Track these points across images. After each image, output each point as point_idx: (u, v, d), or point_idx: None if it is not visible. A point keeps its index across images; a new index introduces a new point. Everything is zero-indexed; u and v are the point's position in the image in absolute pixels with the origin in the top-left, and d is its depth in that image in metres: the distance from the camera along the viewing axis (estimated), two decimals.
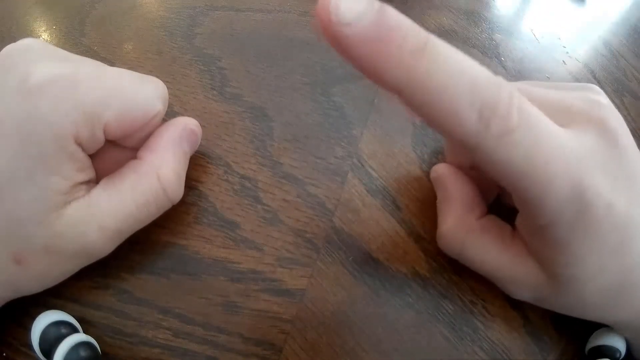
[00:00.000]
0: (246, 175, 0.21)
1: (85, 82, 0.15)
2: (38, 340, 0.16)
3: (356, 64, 0.11)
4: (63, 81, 0.14)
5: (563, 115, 0.14)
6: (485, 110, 0.12)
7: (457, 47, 0.12)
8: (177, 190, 0.18)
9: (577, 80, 0.28)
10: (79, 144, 0.15)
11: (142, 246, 0.19)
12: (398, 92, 0.12)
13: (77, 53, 0.17)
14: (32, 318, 0.17)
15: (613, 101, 0.16)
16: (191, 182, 0.20)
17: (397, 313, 0.19)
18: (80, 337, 0.16)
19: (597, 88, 0.17)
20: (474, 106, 0.11)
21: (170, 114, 0.22)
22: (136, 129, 0.17)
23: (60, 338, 0.16)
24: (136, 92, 0.16)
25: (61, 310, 0.17)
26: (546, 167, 0.12)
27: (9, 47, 0.15)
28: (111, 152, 0.17)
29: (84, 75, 0.15)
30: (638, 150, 0.15)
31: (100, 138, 0.16)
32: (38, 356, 0.16)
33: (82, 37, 0.25)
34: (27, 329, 0.17)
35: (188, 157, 0.19)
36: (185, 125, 0.18)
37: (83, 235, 0.15)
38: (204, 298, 0.18)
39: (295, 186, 0.21)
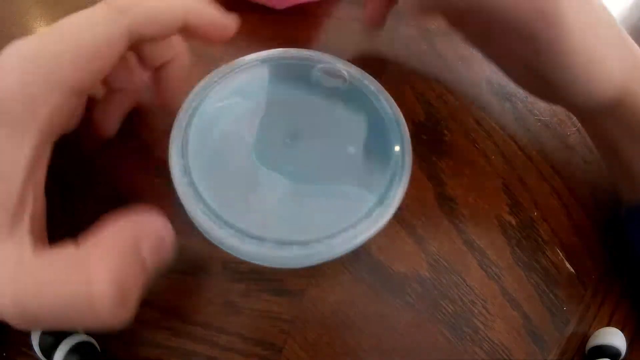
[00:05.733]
0: None
1: None
2: (38, 340, 0.16)
3: None
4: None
5: None
6: None
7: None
8: (112, 313, 0.12)
9: None
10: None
11: None
12: None
13: None
14: None
15: None
16: None
17: (397, 313, 0.19)
18: (80, 337, 0.16)
19: None
20: None
21: None
22: (161, 34, 0.16)
23: (60, 338, 0.16)
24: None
25: None
26: None
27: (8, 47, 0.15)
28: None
29: None
30: None
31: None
32: (38, 356, 0.16)
33: None
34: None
35: (149, 272, 0.13)
36: (149, 225, 0.13)
37: None
38: (204, 298, 0.18)
39: None
